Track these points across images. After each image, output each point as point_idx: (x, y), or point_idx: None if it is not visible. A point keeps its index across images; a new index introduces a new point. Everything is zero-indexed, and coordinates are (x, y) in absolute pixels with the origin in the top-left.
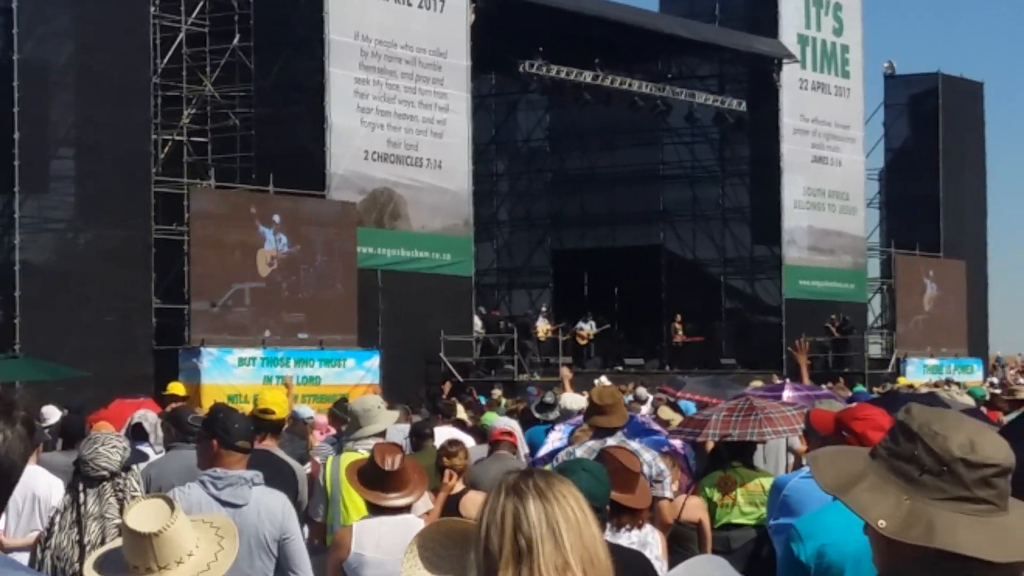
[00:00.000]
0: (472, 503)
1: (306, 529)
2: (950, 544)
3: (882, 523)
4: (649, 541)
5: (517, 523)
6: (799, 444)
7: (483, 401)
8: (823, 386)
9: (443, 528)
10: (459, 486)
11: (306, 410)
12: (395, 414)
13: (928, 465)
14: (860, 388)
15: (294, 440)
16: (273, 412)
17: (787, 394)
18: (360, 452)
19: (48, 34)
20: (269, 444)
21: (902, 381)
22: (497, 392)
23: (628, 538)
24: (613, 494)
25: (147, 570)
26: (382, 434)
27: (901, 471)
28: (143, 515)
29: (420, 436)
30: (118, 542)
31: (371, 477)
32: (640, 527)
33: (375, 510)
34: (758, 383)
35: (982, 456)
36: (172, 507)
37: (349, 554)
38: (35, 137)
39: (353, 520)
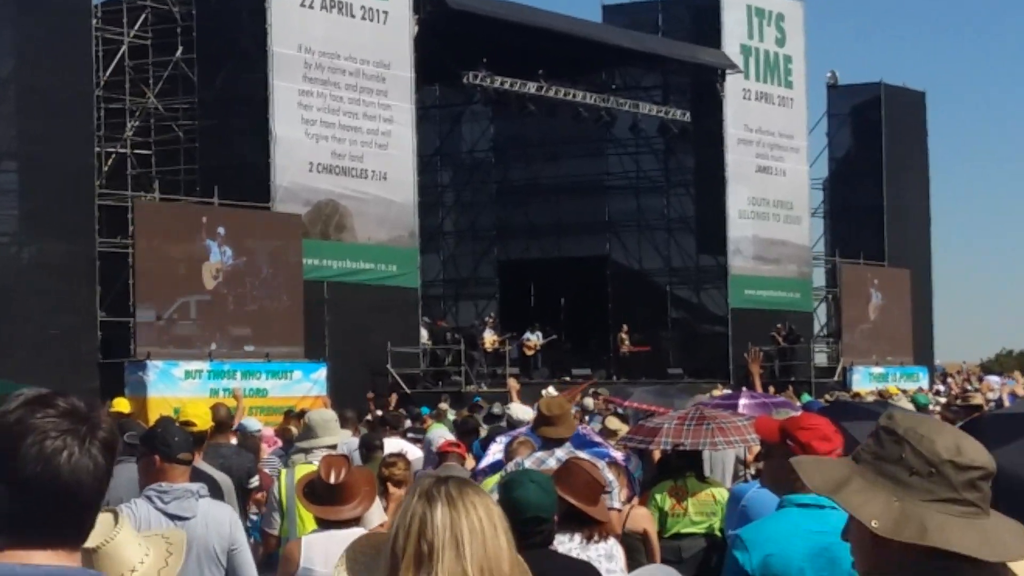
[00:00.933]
0: None
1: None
2: (944, 543)
3: (874, 523)
4: (614, 553)
5: (422, 528)
6: (746, 454)
7: (425, 412)
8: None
9: (371, 540)
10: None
11: (253, 423)
12: (347, 431)
13: (916, 467)
14: (808, 397)
15: (242, 453)
16: (195, 424)
17: (743, 402)
18: (313, 464)
19: None
20: (198, 457)
21: (863, 392)
22: (444, 405)
23: (597, 550)
24: (583, 507)
25: None
26: (334, 447)
27: (889, 473)
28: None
29: (369, 448)
30: None
31: (318, 491)
32: (606, 539)
33: (324, 524)
34: (716, 393)
35: (968, 459)
36: (116, 520)
37: (298, 568)
38: None
39: (301, 533)
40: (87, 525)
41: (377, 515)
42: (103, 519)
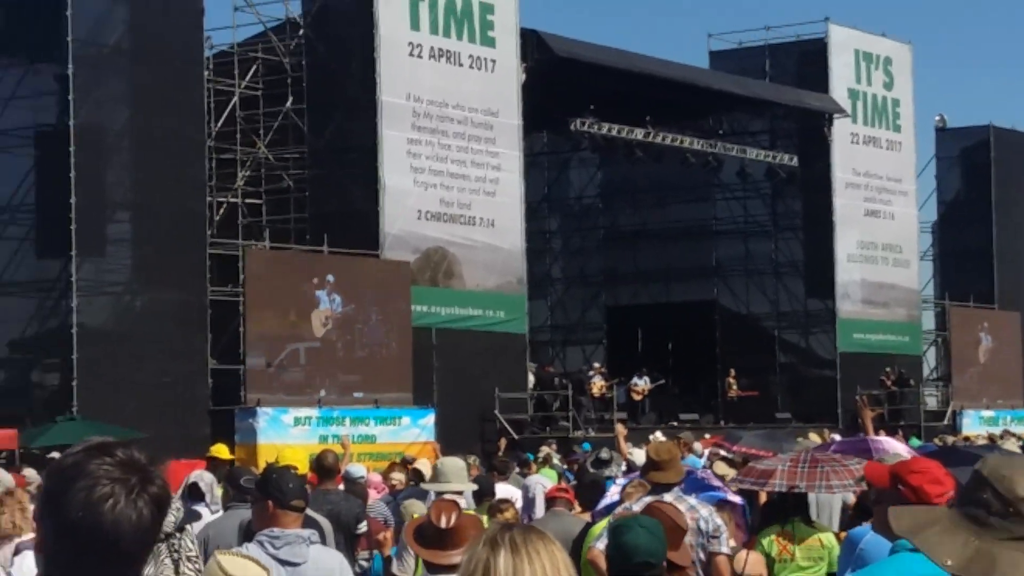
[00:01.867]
0: None
1: None
2: (988, 567)
3: (949, 562)
4: None
5: (486, 573)
6: (852, 498)
7: (530, 458)
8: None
9: None
10: None
11: (358, 469)
12: (472, 485)
13: (995, 507)
14: (917, 442)
15: (349, 499)
16: (296, 469)
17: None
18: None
19: (104, 99)
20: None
21: (973, 436)
22: (546, 449)
23: None
24: (668, 553)
25: None
26: (461, 493)
27: (972, 515)
28: (243, 571)
29: (482, 493)
30: None
31: (428, 535)
32: None
33: (432, 568)
34: (815, 437)
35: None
36: (267, 570)
37: None
38: (91, 201)
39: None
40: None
41: None
42: (254, 567)
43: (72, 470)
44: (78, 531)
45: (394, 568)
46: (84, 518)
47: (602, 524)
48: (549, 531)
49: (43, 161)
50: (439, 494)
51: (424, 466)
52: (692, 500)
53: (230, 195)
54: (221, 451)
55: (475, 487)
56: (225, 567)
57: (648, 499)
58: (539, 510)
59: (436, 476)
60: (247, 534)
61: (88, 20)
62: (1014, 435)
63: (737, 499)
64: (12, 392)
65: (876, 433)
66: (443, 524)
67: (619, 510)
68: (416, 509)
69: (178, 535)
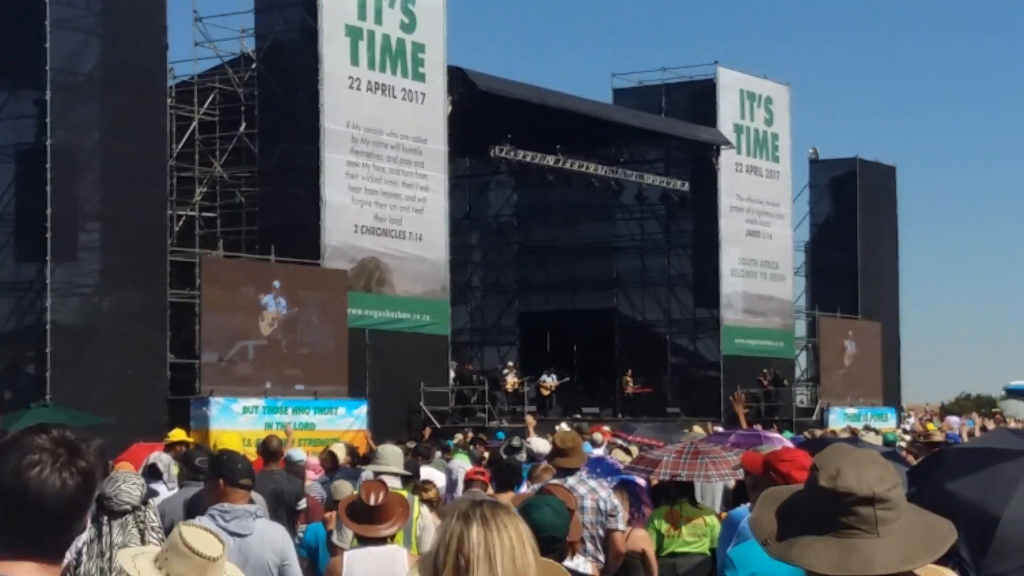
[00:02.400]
0: None
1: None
2: (793, 560)
3: (768, 543)
4: (588, 569)
5: (460, 545)
6: (733, 483)
7: (451, 445)
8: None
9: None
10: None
11: (298, 453)
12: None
13: (808, 494)
14: (789, 434)
15: (291, 479)
16: (250, 453)
17: (732, 438)
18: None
19: (77, 122)
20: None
21: (838, 430)
22: (459, 436)
23: (566, 564)
24: None
25: None
26: (399, 475)
27: (792, 500)
28: (205, 542)
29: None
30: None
31: (359, 511)
32: (573, 556)
33: (363, 540)
34: (699, 430)
35: (842, 486)
36: (222, 543)
37: None
38: (65, 212)
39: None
40: (58, 542)
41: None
42: (211, 538)
43: (9, 444)
44: (7, 495)
45: (334, 539)
46: (13, 484)
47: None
48: None
49: (22, 176)
50: (377, 474)
51: (339, 450)
52: (592, 483)
53: (188, 209)
54: (179, 435)
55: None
56: (186, 538)
57: (554, 481)
58: (459, 491)
59: (377, 459)
60: (190, 509)
61: (64, 52)
62: (873, 429)
63: (642, 481)
64: None
65: (749, 426)
66: (372, 501)
67: (525, 490)
68: (345, 489)
69: (143, 508)
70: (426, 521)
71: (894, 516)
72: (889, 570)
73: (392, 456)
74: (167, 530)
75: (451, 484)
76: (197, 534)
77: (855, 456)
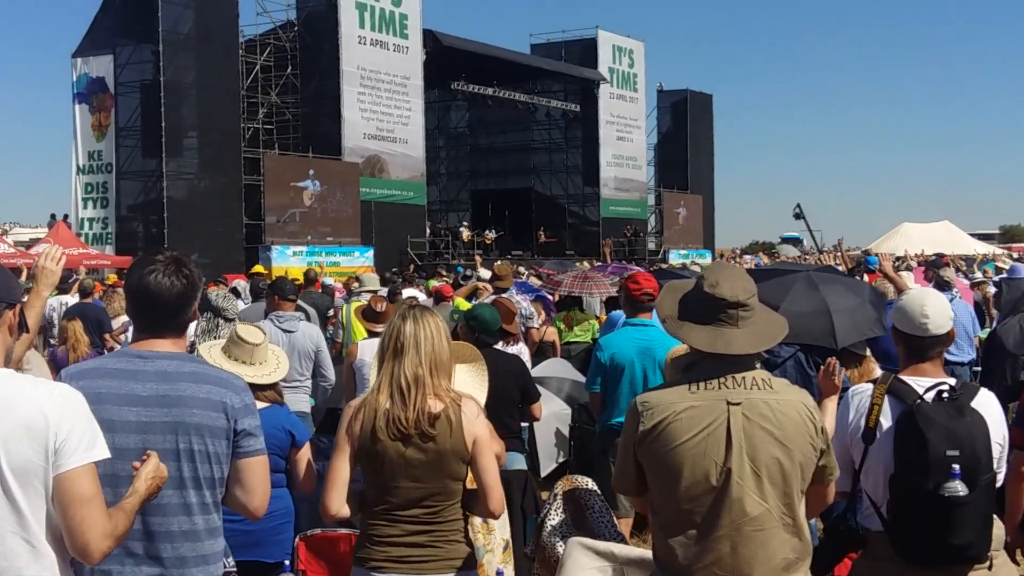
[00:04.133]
0: None
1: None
2: (681, 337)
3: (664, 319)
4: (523, 350)
5: (398, 334)
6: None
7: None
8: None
9: None
10: None
11: (329, 280)
12: (378, 282)
13: (693, 294)
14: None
15: (324, 296)
16: (297, 280)
17: (610, 269)
18: (360, 301)
19: (180, 66)
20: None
21: (675, 264)
22: (443, 272)
23: (510, 349)
24: (505, 326)
25: (244, 363)
26: (375, 292)
27: (684, 297)
28: (252, 333)
29: (394, 294)
30: (218, 342)
31: (368, 315)
32: (516, 343)
33: (371, 334)
34: (585, 264)
35: (719, 293)
36: (264, 333)
37: (356, 360)
38: (173, 125)
39: (356, 340)
40: (176, 323)
41: None
42: (256, 330)
43: (137, 261)
44: (135, 292)
45: (333, 336)
46: (138, 285)
47: (460, 301)
48: (435, 310)
49: (145, 102)
50: (361, 294)
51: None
52: (517, 297)
53: (254, 123)
54: (259, 268)
55: (384, 289)
56: (239, 331)
57: (493, 296)
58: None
59: (361, 284)
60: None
61: (170, 18)
62: (698, 264)
63: (548, 296)
64: (129, 237)
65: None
66: (378, 308)
67: (474, 302)
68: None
69: (235, 319)
70: None
71: (750, 315)
72: (743, 351)
73: (372, 280)
74: None
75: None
76: (246, 329)
77: (729, 271)
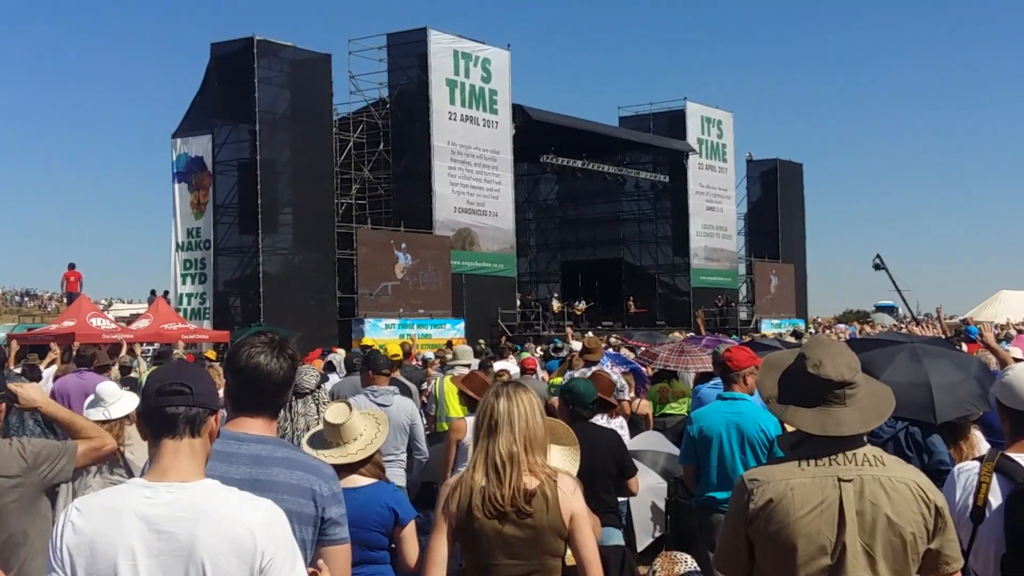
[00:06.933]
0: None
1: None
2: (788, 420)
3: (767, 399)
4: (623, 424)
5: (492, 412)
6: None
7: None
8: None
9: None
10: None
11: (429, 354)
12: (471, 354)
13: (796, 375)
14: (735, 337)
15: (418, 370)
16: (398, 355)
17: (705, 341)
18: (453, 373)
19: (276, 144)
20: (395, 373)
21: (769, 334)
22: (530, 345)
23: (610, 423)
24: (605, 397)
25: (337, 444)
26: (468, 366)
27: (785, 376)
28: (334, 413)
29: (485, 365)
30: (317, 429)
31: (475, 386)
32: (615, 417)
33: (468, 401)
34: (677, 335)
35: (823, 374)
36: (350, 408)
37: (464, 436)
38: (269, 202)
39: (450, 414)
40: (275, 404)
41: None
42: (342, 407)
43: (242, 342)
44: (242, 373)
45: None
46: (246, 365)
47: (556, 379)
48: (529, 386)
49: (242, 180)
50: (454, 367)
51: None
52: (608, 369)
53: (347, 199)
54: (368, 342)
55: (477, 361)
56: (324, 413)
57: (584, 369)
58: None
59: (456, 356)
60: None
61: (267, 98)
62: (792, 333)
63: (642, 368)
64: (226, 311)
65: (707, 333)
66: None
67: (568, 375)
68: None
69: (318, 390)
70: None
71: (856, 392)
72: (853, 431)
73: (465, 353)
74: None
75: (521, 371)
76: (333, 408)
77: (832, 348)
